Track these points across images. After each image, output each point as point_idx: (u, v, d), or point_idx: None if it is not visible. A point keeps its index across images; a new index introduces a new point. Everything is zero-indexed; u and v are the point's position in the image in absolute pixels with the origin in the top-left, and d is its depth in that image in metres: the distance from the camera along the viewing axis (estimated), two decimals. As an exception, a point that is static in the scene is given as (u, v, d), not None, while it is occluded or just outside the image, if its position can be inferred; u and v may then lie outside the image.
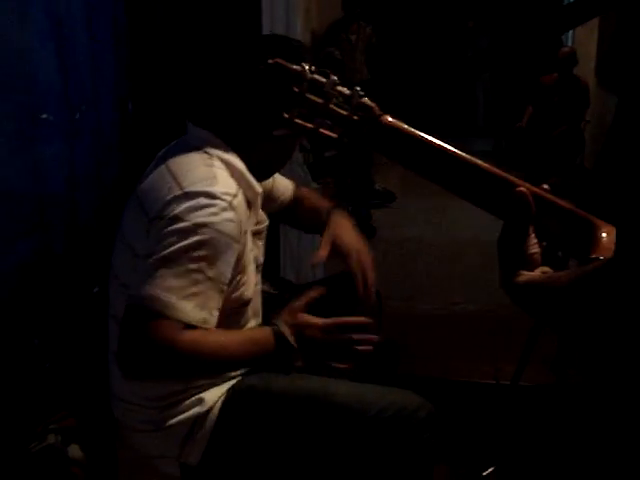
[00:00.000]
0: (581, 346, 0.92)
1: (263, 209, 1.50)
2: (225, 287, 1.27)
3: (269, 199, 1.62)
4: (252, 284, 1.42)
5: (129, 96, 2.08)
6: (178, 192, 1.26)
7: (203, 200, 1.24)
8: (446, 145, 0.92)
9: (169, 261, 1.20)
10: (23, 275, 1.68)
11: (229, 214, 1.26)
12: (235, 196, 1.29)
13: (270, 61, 0.88)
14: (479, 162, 0.93)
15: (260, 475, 1.42)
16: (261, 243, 1.52)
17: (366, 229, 4.12)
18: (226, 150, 1.36)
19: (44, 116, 1.71)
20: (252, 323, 1.46)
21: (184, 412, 1.36)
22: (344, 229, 1.63)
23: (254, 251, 1.44)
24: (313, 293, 1.36)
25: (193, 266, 1.21)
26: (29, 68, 1.66)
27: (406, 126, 0.92)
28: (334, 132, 0.91)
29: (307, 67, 0.89)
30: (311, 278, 2.73)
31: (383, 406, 1.40)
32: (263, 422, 1.39)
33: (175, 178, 1.29)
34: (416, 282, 3.79)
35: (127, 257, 1.34)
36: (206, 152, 1.35)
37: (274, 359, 1.30)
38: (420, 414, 1.42)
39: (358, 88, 0.90)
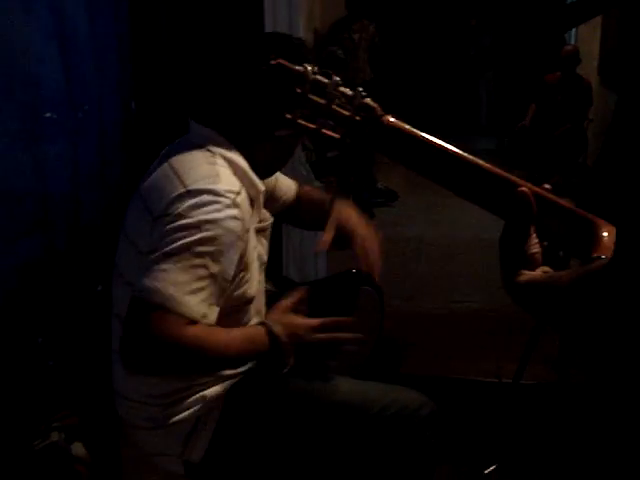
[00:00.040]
0: (582, 345, 0.92)
1: (266, 208, 1.51)
2: (228, 284, 1.28)
3: (272, 198, 1.62)
4: (255, 282, 1.42)
5: (132, 95, 2.09)
6: (181, 190, 1.26)
7: (206, 197, 1.25)
8: (448, 145, 0.93)
9: (173, 256, 1.21)
10: (27, 273, 1.68)
11: (233, 211, 1.26)
12: (238, 194, 1.29)
13: (273, 62, 0.89)
14: (480, 162, 0.93)
15: (263, 472, 1.42)
16: (265, 241, 1.53)
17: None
18: (229, 148, 1.37)
19: (48, 115, 1.72)
20: (255, 321, 1.47)
21: (187, 410, 1.36)
22: (348, 215, 1.64)
23: (258, 249, 1.45)
24: (298, 294, 1.39)
25: (197, 262, 1.21)
26: (33, 67, 1.66)
27: (408, 127, 0.92)
28: (336, 132, 0.91)
29: (310, 68, 0.89)
30: (313, 277, 2.74)
31: (385, 404, 1.41)
32: (265, 419, 1.40)
33: (178, 176, 1.30)
34: (417, 281, 3.79)
35: (131, 255, 1.35)
36: (209, 150, 1.35)
37: (268, 357, 1.31)
38: (422, 412, 1.43)
39: (360, 89, 0.91)
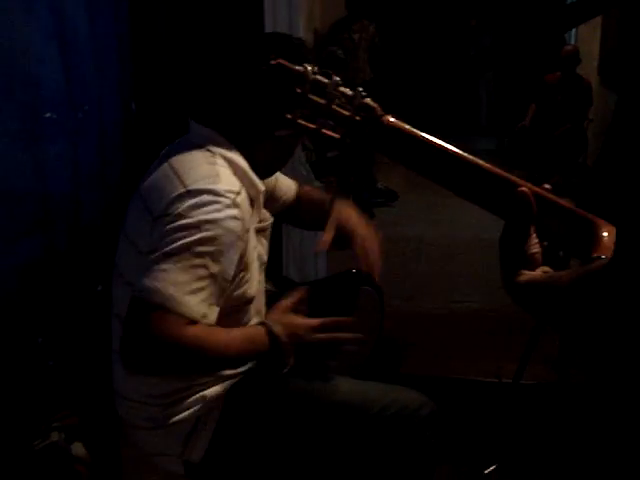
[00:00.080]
0: (582, 345, 0.92)
1: (266, 208, 1.51)
2: (228, 284, 1.28)
3: (272, 199, 1.62)
4: (255, 282, 1.42)
5: (132, 95, 2.09)
6: (181, 190, 1.26)
7: (206, 197, 1.25)
8: (448, 145, 0.93)
9: (173, 256, 1.21)
10: (27, 273, 1.68)
11: (233, 211, 1.26)
12: (238, 194, 1.29)
13: (273, 62, 0.89)
14: (480, 162, 0.93)
15: (263, 472, 1.43)
16: (265, 241, 1.53)
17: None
18: (229, 148, 1.37)
19: (48, 115, 1.72)
20: (255, 321, 1.47)
21: (187, 410, 1.36)
22: (348, 214, 1.64)
23: (258, 249, 1.45)
24: (298, 294, 1.39)
25: (197, 262, 1.22)
26: (33, 67, 1.66)
27: (408, 127, 0.92)
28: (336, 132, 0.91)
29: (310, 68, 0.89)
30: (313, 277, 2.74)
31: (385, 404, 1.41)
32: (265, 419, 1.40)
33: (178, 176, 1.30)
34: (417, 281, 3.79)
35: (131, 255, 1.35)
36: (209, 150, 1.35)
37: (268, 357, 1.31)
38: (422, 412, 1.43)
39: (360, 89, 0.91)
